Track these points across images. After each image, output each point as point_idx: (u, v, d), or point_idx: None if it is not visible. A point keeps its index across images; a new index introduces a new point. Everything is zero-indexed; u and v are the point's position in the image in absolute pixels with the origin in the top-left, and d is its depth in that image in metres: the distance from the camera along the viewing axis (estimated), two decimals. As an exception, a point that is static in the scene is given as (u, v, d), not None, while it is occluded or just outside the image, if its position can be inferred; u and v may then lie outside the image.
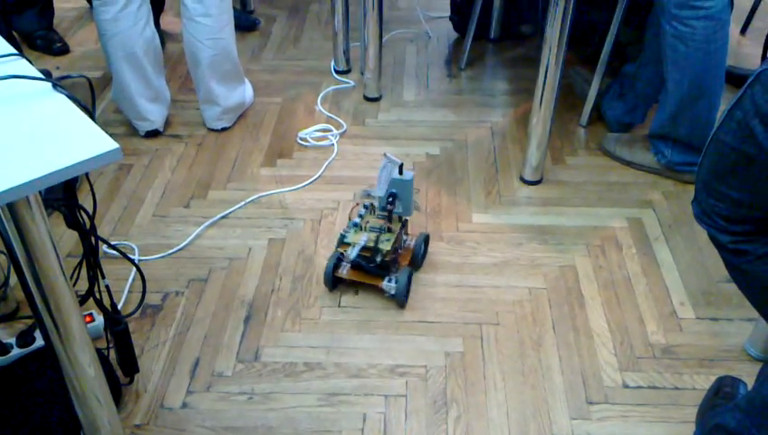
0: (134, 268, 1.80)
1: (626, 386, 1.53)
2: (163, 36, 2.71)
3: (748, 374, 1.52)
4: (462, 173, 2.17)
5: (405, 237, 1.80)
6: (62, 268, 0.98)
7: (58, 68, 2.71)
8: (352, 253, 1.66)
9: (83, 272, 1.24)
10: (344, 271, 1.73)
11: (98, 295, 1.28)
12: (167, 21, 2.98)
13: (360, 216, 1.74)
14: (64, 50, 2.82)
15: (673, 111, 1.97)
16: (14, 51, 1.05)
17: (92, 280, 1.24)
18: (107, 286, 1.31)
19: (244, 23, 2.98)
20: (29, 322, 1.60)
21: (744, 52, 2.84)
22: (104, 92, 2.52)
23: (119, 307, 1.52)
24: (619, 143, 2.21)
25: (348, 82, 2.63)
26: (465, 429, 1.45)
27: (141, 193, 2.09)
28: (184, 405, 1.50)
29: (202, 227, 1.95)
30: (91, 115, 0.93)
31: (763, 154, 1.00)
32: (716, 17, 1.80)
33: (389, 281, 1.68)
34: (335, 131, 2.34)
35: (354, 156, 2.24)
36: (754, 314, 1.32)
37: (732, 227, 1.12)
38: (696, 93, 1.91)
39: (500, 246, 1.89)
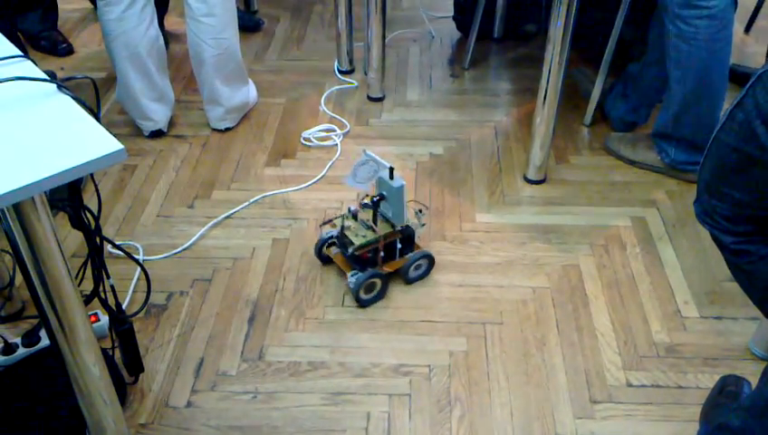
0: (139, 268, 1.80)
1: (630, 385, 1.53)
2: (167, 36, 2.71)
3: (752, 373, 1.52)
4: (465, 173, 2.17)
5: (407, 249, 1.76)
6: (67, 268, 0.99)
7: (62, 69, 2.72)
8: (327, 234, 1.73)
9: (88, 272, 1.24)
10: (334, 251, 1.77)
11: (103, 295, 1.28)
12: (171, 21, 2.99)
13: (364, 205, 1.74)
14: (69, 51, 2.83)
15: (676, 110, 1.97)
16: (20, 52, 1.06)
17: (97, 280, 1.24)
18: (112, 286, 1.32)
19: (248, 23, 2.98)
20: (34, 321, 1.61)
21: (748, 50, 2.83)
22: (108, 93, 2.53)
23: (123, 307, 1.52)
24: (622, 143, 2.21)
25: (351, 83, 2.63)
26: (468, 428, 1.45)
27: (146, 193, 2.09)
28: (188, 404, 1.50)
29: (206, 227, 1.96)
30: (96, 116, 0.94)
31: (766, 155, 1.00)
32: (719, 16, 1.80)
33: (352, 276, 1.68)
34: (339, 131, 2.34)
35: (358, 156, 2.23)
36: (758, 313, 1.31)
37: (734, 227, 1.11)
38: (700, 93, 1.91)
39: (504, 245, 1.90)
